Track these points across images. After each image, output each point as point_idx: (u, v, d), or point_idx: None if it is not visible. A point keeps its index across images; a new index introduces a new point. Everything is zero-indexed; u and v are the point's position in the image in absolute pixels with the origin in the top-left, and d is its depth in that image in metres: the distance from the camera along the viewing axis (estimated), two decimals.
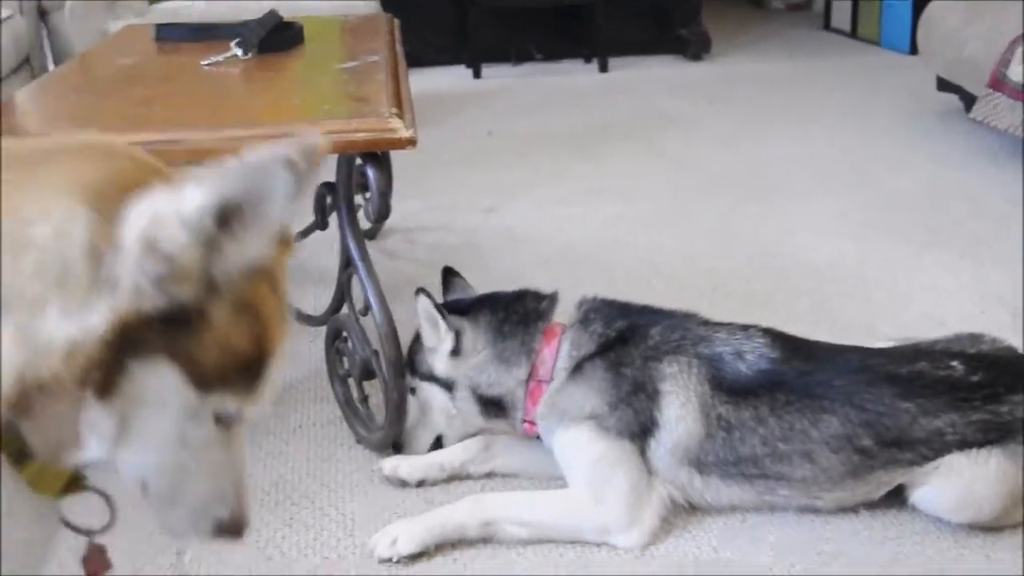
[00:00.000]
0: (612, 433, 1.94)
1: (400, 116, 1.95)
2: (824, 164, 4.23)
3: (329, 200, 2.31)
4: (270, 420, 2.38)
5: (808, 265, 3.19)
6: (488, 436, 2.17)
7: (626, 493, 1.93)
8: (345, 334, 2.28)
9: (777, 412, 1.92)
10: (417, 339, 2.16)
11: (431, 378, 2.13)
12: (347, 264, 2.21)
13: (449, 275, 2.32)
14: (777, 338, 2.01)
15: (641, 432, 1.94)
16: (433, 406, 2.15)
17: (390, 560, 1.89)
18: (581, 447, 1.97)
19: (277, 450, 2.27)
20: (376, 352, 2.16)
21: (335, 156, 2.22)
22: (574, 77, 6.05)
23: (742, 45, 6.71)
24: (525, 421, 2.07)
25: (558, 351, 2.04)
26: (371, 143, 1.90)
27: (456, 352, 2.09)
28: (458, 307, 2.17)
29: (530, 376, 2.05)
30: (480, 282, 3.08)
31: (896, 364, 1.98)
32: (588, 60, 6.28)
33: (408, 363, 2.16)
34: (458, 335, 2.09)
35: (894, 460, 1.93)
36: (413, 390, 2.16)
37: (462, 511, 1.95)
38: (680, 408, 1.93)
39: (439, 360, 2.11)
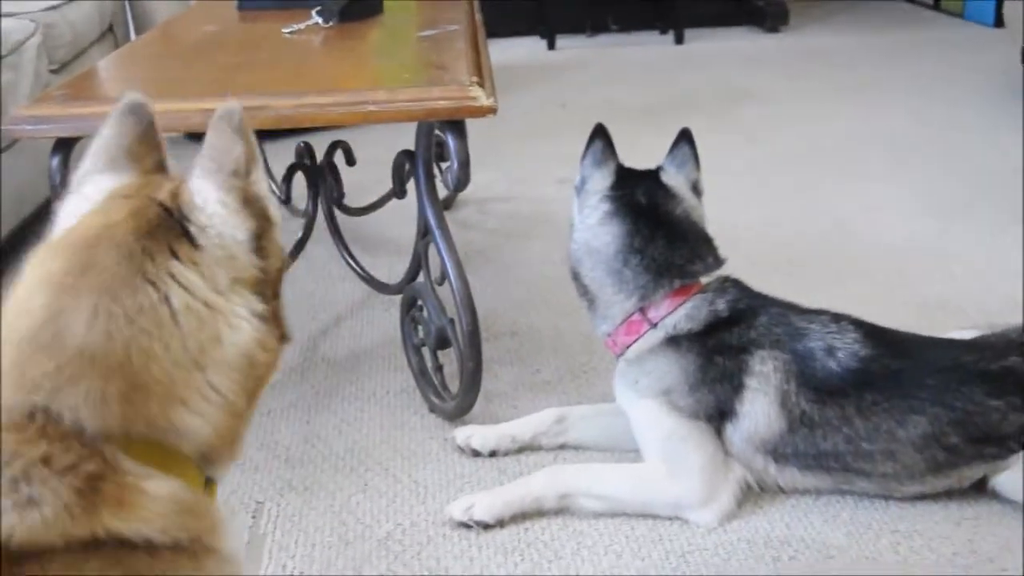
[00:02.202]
0: (685, 412, 1.92)
1: (481, 84, 1.94)
2: (904, 140, 4.15)
3: (407, 168, 2.31)
4: (345, 387, 2.41)
5: (887, 243, 3.13)
6: (562, 410, 2.17)
7: (701, 469, 1.92)
8: (421, 303, 2.29)
9: (864, 412, 1.88)
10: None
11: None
12: (425, 232, 2.21)
13: (683, 140, 2.13)
14: (869, 333, 1.95)
15: (718, 416, 1.92)
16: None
17: (464, 525, 1.91)
18: (652, 421, 1.96)
19: (352, 417, 2.29)
20: (452, 321, 2.16)
21: (414, 125, 2.23)
22: (649, 49, 5.99)
23: (820, 17, 6.59)
24: (609, 337, 2.04)
25: (677, 310, 1.96)
26: (452, 111, 1.89)
27: (576, 192, 2.08)
28: (631, 174, 2.08)
29: (641, 310, 1.98)
30: (554, 254, 3.08)
31: (987, 360, 1.92)
32: (664, 32, 6.21)
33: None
34: (584, 182, 2.07)
35: (980, 455, 1.89)
36: None
37: (539, 483, 1.95)
38: (762, 404, 1.90)
39: (575, 204, 2.09)
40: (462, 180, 1.95)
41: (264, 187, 1.04)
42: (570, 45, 6.03)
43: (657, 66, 5.58)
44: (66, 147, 1.95)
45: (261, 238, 1.01)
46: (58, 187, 1.94)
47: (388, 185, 3.06)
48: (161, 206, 0.99)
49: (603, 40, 6.16)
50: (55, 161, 1.94)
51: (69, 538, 0.84)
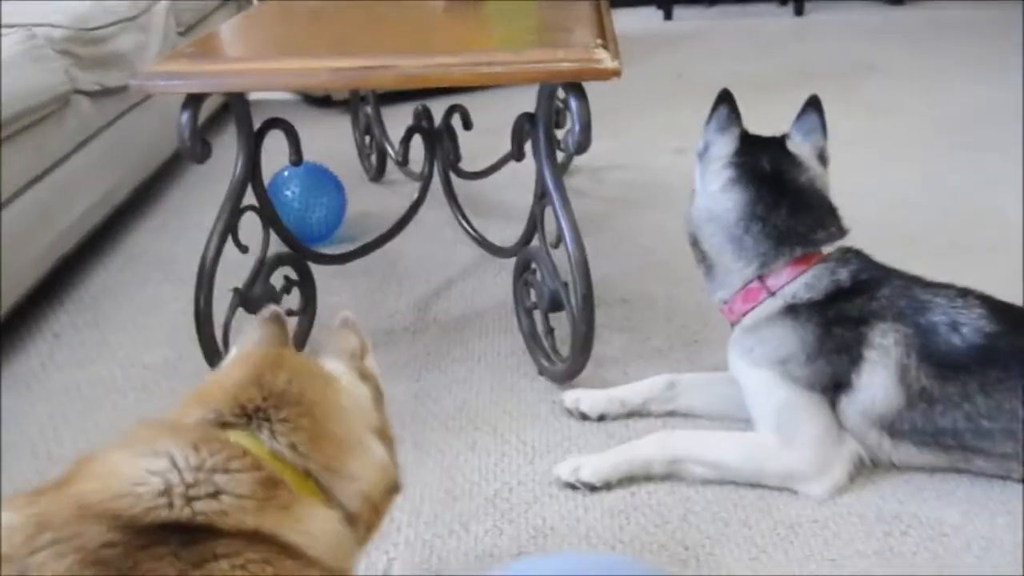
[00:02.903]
0: (800, 383, 1.89)
1: (605, 47, 1.93)
2: None
3: (526, 131, 2.31)
4: (456, 348, 2.43)
5: (1012, 220, 3.03)
6: (673, 376, 2.16)
7: (815, 441, 1.89)
8: (534, 266, 2.30)
9: (986, 389, 1.83)
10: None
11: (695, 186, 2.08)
12: (542, 195, 2.22)
13: (810, 107, 2.11)
14: (995, 309, 1.89)
15: (834, 387, 1.89)
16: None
17: (571, 486, 1.92)
18: (766, 391, 1.93)
19: (462, 377, 2.32)
20: (566, 284, 2.17)
21: (534, 88, 2.23)
22: (768, 20, 5.89)
23: None
24: (725, 304, 2.03)
25: (797, 278, 1.94)
26: (576, 73, 1.88)
27: (699, 158, 2.06)
28: (756, 140, 2.05)
29: (760, 277, 1.97)
30: (669, 223, 3.06)
31: None
32: (783, 3, 6.10)
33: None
34: (707, 147, 2.05)
35: None
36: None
37: (650, 447, 1.95)
38: (881, 377, 1.86)
39: (697, 169, 2.07)
40: (583, 143, 1.95)
41: (374, 367, 1.34)
42: (687, 16, 5.96)
43: (776, 38, 5.48)
44: (196, 103, 2.00)
45: (376, 402, 1.28)
46: (186, 141, 2.00)
47: (502, 151, 3.08)
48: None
49: (721, 11, 6.08)
50: (185, 116, 1.99)
51: (237, 527, 0.98)
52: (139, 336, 2.56)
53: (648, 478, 1.94)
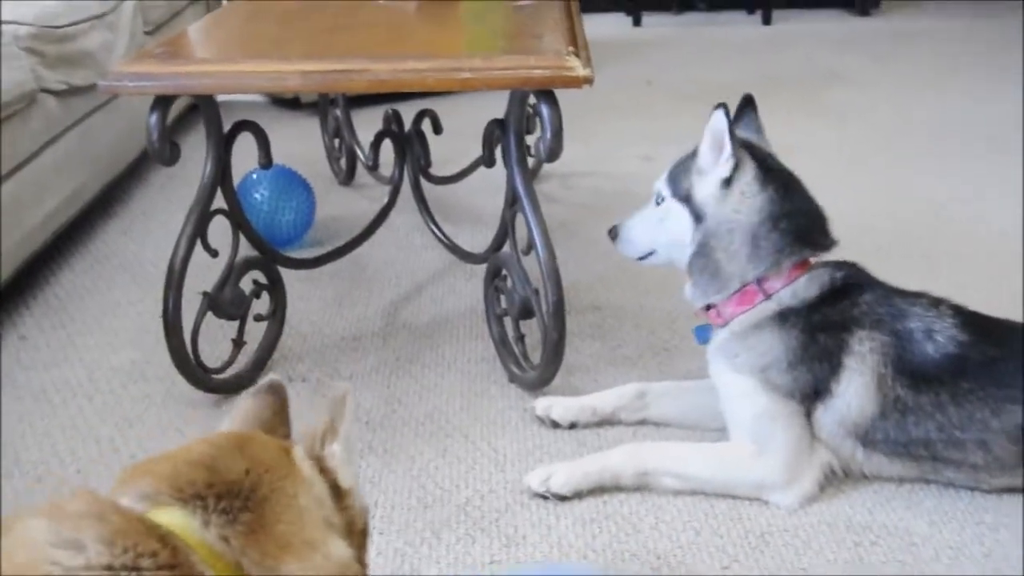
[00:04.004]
0: (780, 391, 1.90)
1: (577, 54, 1.93)
2: (999, 126, 4.04)
3: (497, 137, 2.31)
4: (426, 353, 2.42)
5: (981, 230, 3.07)
6: (644, 384, 2.16)
7: (788, 450, 1.90)
8: (505, 272, 2.29)
9: (958, 400, 1.84)
10: (688, 157, 2.03)
11: (685, 199, 1.99)
12: (513, 201, 2.21)
13: (747, 106, 2.11)
14: (968, 319, 1.90)
15: (813, 395, 1.90)
16: (667, 227, 2.04)
17: (541, 496, 1.92)
18: (746, 399, 1.94)
19: (432, 383, 2.31)
20: (536, 291, 2.16)
21: (505, 93, 2.23)
22: (736, 28, 5.92)
23: (913, 1, 6.45)
24: (713, 308, 2.00)
25: (794, 282, 1.93)
26: (547, 80, 1.88)
27: (727, 184, 1.94)
28: (749, 145, 2.00)
29: (759, 280, 1.94)
30: None
31: None
32: (751, 11, 6.14)
33: (671, 173, 2.04)
34: (737, 168, 1.94)
35: None
36: (659, 201, 2.06)
37: (619, 459, 1.95)
38: (857, 386, 1.87)
39: (705, 185, 1.96)
40: (554, 150, 1.95)
41: (338, 459, 1.21)
42: (656, 23, 5.99)
43: (744, 46, 5.51)
44: (164, 104, 1.98)
45: (339, 499, 1.20)
46: (155, 143, 1.97)
47: (472, 157, 3.08)
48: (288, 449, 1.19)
49: (690, 18, 6.11)
50: (153, 118, 1.96)
51: None
52: (106, 338, 2.53)
53: (619, 488, 1.94)
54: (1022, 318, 1.99)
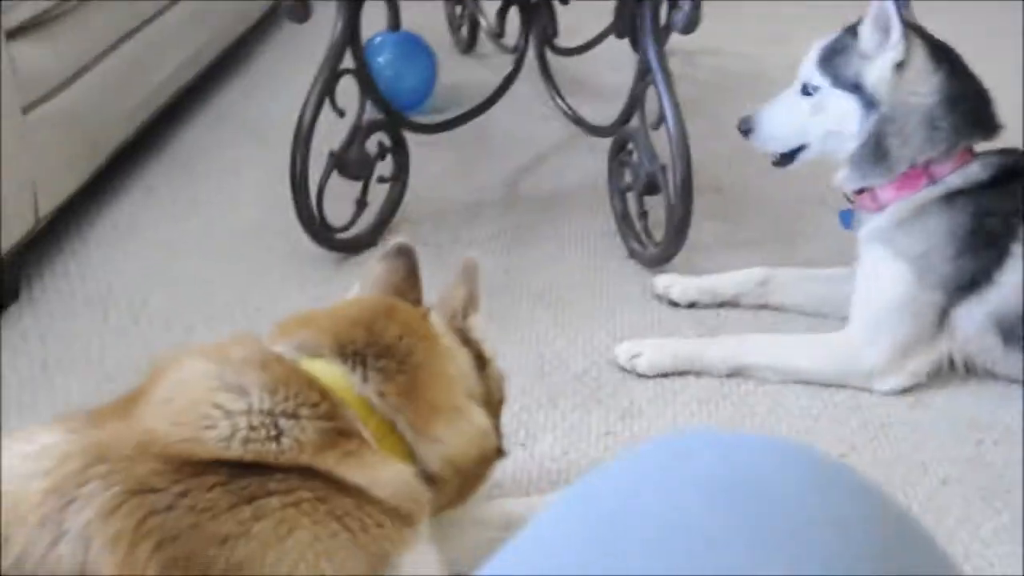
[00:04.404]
0: (930, 284, 1.83)
1: None
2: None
3: (632, 4, 2.25)
4: (545, 225, 2.41)
5: None
6: (767, 270, 2.12)
7: (902, 344, 1.85)
8: (631, 147, 2.25)
9: None
10: (845, 37, 1.92)
11: (852, 87, 1.88)
12: (644, 73, 2.16)
13: None
14: None
15: (968, 286, 1.82)
16: (826, 118, 1.94)
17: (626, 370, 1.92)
18: (890, 284, 1.86)
19: (551, 255, 2.30)
20: (664, 167, 2.12)
21: None
22: None
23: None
24: (868, 192, 1.92)
25: (964, 167, 1.85)
26: None
27: (899, 68, 1.85)
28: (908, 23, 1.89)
29: (926, 164, 1.86)
30: None
31: None
32: None
33: (824, 59, 1.93)
34: (908, 50, 1.85)
35: None
36: (811, 91, 1.95)
37: (716, 352, 1.91)
38: (1021, 275, 1.79)
39: (875, 69, 1.85)
40: (692, 20, 1.89)
41: (480, 330, 1.26)
42: None
43: None
44: None
45: (481, 369, 1.24)
46: None
47: (597, 28, 3.01)
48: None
49: None
50: None
51: (292, 463, 1.00)
52: (229, 197, 2.56)
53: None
54: None
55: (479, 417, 1.20)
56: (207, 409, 0.99)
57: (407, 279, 1.29)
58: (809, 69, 1.95)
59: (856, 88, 1.88)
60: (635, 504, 0.51)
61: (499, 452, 1.28)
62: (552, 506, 0.54)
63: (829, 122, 1.93)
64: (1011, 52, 3.29)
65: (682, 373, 1.91)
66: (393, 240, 1.34)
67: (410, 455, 1.11)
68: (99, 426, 0.98)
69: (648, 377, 1.91)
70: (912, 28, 1.88)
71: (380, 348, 1.12)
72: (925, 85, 1.85)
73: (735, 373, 1.91)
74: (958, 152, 1.85)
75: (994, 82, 1.92)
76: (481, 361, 1.25)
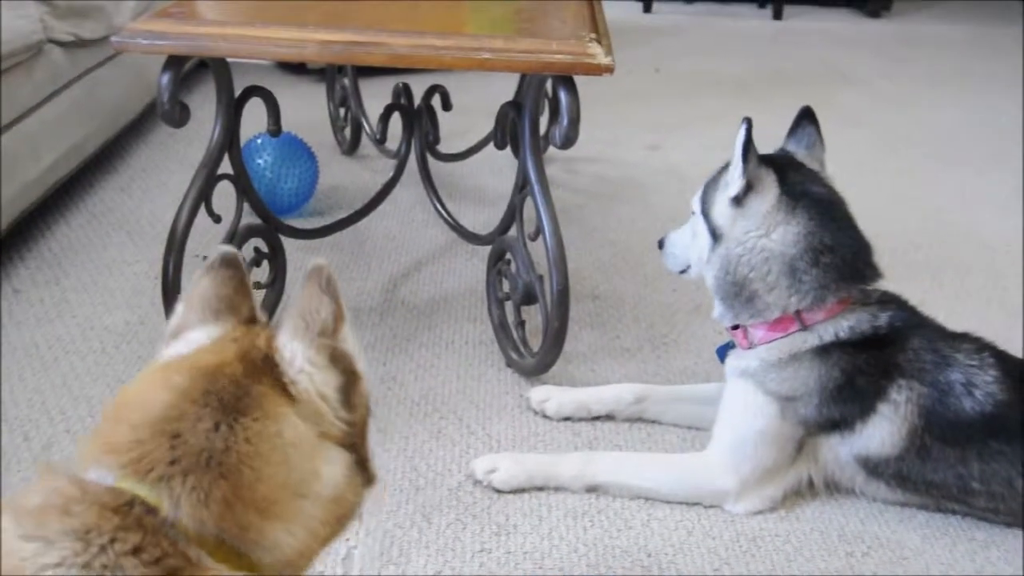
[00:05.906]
0: (793, 420, 1.85)
1: (598, 41, 1.90)
2: (1005, 135, 4.03)
3: (511, 119, 2.28)
4: (423, 333, 2.40)
5: (982, 239, 3.06)
6: (642, 388, 2.13)
7: (761, 471, 1.88)
8: (510, 256, 2.27)
9: (984, 457, 1.80)
10: (722, 170, 1.92)
11: (705, 215, 1.91)
12: (523, 186, 2.19)
13: (805, 119, 2.00)
14: (1009, 372, 1.83)
15: (830, 427, 1.85)
16: (696, 243, 1.96)
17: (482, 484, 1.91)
18: (754, 418, 1.87)
19: (428, 363, 2.29)
20: (541, 278, 2.14)
21: (512, 76, 2.19)
22: (747, 21, 5.89)
23: (924, 6, 6.43)
24: (740, 328, 1.90)
25: (839, 318, 1.83)
26: (569, 67, 1.84)
27: (737, 203, 1.84)
28: (785, 164, 1.89)
29: (797, 312, 1.84)
30: (641, 217, 3.05)
31: None
32: (763, 5, 6.11)
33: (705, 187, 1.94)
34: (749, 188, 1.83)
35: None
36: (692, 213, 1.97)
37: (569, 470, 1.91)
38: (885, 431, 1.82)
39: (719, 203, 1.88)
40: (570, 137, 1.92)
41: (351, 343, 1.09)
42: (667, 10, 5.95)
43: (754, 39, 5.48)
44: (177, 65, 1.94)
45: (349, 392, 1.08)
46: (166, 104, 1.94)
47: (479, 135, 3.05)
48: (265, 355, 1.06)
49: (700, 8, 6.07)
50: (165, 78, 1.93)
51: None
52: (100, 297, 2.49)
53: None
54: (1022, 329, 1.98)
55: (332, 472, 1.07)
56: (15, 562, 0.89)
57: (237, 292, 1.16)
58: (696, 194, 1.98)
59: (707, 217, 1.92)
60: None
61: (369, 481, 1.14)
62: None
63: (697, 247, 1.97)
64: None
65: (557, 488, 1.90)
66: (218, 251, 1.18)
67: (251, 565, 1.01)
68: None
69: (523, 491, 1.89)
70: (784, 169, 1.87)
71: (188, 461, 0.97)
72: (779, 233, 1.82)
73: (591, 490, 1.91)
74: (829, 304, 1.83)
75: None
76: (353, 377, 1.10)
